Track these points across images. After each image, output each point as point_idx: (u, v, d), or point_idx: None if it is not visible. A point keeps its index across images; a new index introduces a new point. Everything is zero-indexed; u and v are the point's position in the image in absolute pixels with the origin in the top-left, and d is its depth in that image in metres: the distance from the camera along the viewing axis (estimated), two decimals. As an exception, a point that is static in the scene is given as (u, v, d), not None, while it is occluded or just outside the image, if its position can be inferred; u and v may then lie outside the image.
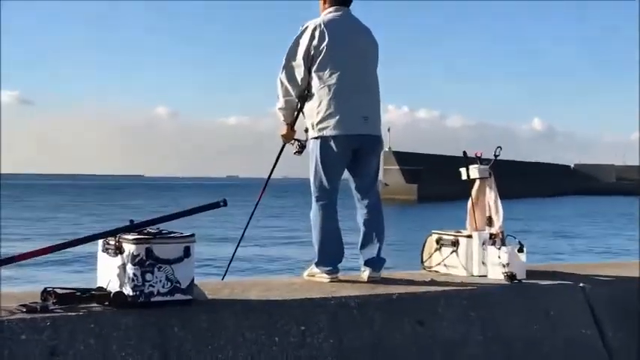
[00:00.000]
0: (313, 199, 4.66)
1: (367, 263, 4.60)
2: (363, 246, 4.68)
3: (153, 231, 3.48)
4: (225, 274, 5.17)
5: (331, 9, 4.66)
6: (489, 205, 4.99)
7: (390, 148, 69.59)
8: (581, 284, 4.63)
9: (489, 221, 4.95)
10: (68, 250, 3.60)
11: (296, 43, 4.60)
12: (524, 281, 4.55)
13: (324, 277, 4.51)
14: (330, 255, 4.59)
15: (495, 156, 5.14)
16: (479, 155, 5.13)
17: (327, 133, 4.54)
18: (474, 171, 5.03)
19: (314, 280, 4.56)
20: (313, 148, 4.63)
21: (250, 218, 5.23)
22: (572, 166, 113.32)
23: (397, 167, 72.57)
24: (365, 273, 4.56)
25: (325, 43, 4.52)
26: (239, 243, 5.28)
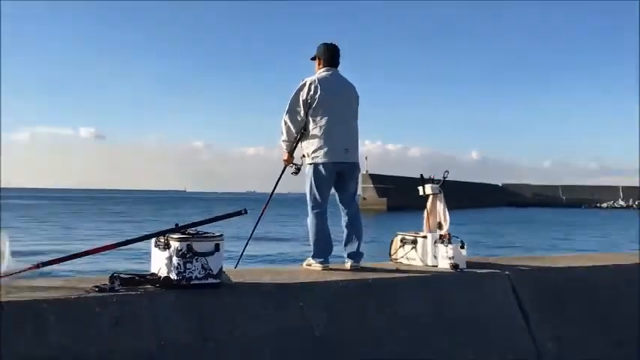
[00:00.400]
0: (309, 208, 4.85)
1: (349, 256, 4.83)
2: (346, 243, 4.89)
3: (192, 232, 3.64)
4: (237, 263, 5.27)
5: (323, 69, 4.94)
6: (440, 214, 5.06)
7: (367, 171, 74.10)
8: (506, 272, 4.74)
9: (439, 225, 5.01)
10: (130, 246, 3.72)
11: (297, 94, 4.84)
12: (464, 270, 4.70)
13: (318, 266, 4.69)
14: (322, 250, 4.77)
15: (444, 177, 5.24)
16: (432, 177, 5.26)
17: (318, 160, 4.79)
18: (428, 188, 5.15)
19: (311, 268, 4.73)
20: (308, 171, 4.86)
21: (258, 221, 5.27)
22: (501, 184, 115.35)
23: (372, 185, 75.04)
24: (348, 263, 4.80)
25: (318, 95, 4.77)
26: (249, 240, 5.30)
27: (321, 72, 4.96)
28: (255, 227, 5.32)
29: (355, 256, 4.83)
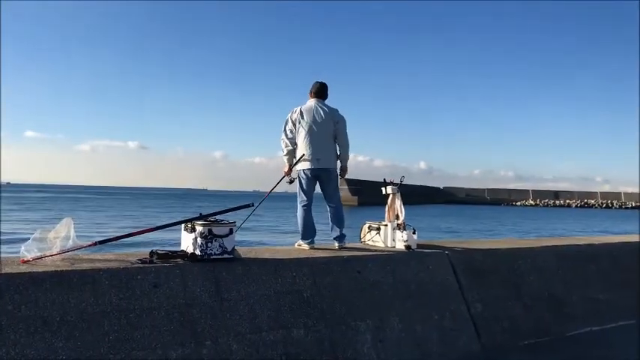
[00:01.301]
0: (298, 203, 4.85)
1: (335, 239, 4.79)
2: (332, 229, 4.86)
3: (212, 219, 3.64)
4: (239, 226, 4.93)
5: (311, 99, 4.91)
6: (397, 208, 5.03)
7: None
8: (446, 252, 4.76)
9: (397, 217, 4.99)
10: (166, 229, 3.70)
11: (287, 118, 4.87)
12: (416, 250, 4.71)
13: (306, 247, 4.67)
14: (307, 233, 4.74)
15: (400, 181, 5.21)
16: (392, 180, 5.24)
17: (299, 168, 4.82)
18: (389, 189, 5.14)
19: (301, 248, 4.68)
20: (298, 176, 4.87)
21: (258, 205, 4.74)
22: (442, 187, 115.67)
23: (347, 187, 74.56)
24: (336, 244, 4.75)
25: (300, 118, 4.80)
26: (248, 217, 4.72)
27: (308, 101, 4.94)
28: (252, 211, 4.82)
29: (339, 238, 4.79)
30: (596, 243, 6.35)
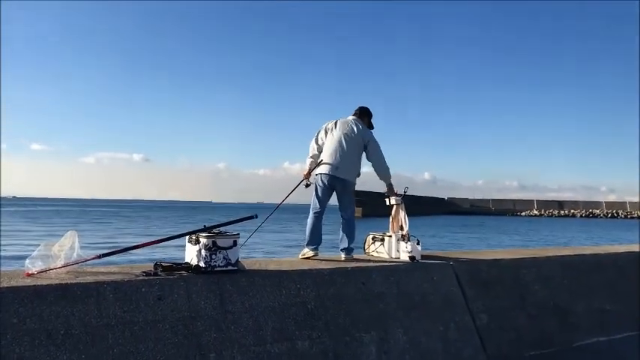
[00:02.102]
0: (310, 210, 4.91)
1: (343, 250, 4.82)
2: (341, 240, 4.88)
3: (216, 231, 3.64)
4: (243, 242, 4.96)
5: (351, 116, 5.15)
6: (401, 219, 5.01)
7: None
8: (451, 262, 4.73)
9: (401, 227, 4.96)
10: (170, 241, 3.65)
11: (323, 127, 5.08)
12: (420, 261, 4.68)
13: (310, 253, 4.71)
14: (312, 240, 4.80)
15: (404, 192, 5.17)
16: (396, 191, 5.17)
17: (317, 171, 4.93)
18: (392, 200, 5.10)
19: (304, 258, 4.67)
20: (314, 182, 4.94)
21: (269, 215, 5.00)
22: (446, 198, 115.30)
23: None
24: (342, 255, 4.77)
25: (334, 127, 5.02)
26: (257, 229, 4.87)
27: (347, 117, 5.15)
28: (264, 221, 4.99)
29: (347, 250, 4.81)
30: (602, 252, 6.29)
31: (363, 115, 5.18)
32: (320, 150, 5.02)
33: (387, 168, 5.06)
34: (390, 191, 5.06)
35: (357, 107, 5.24)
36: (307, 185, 4.96)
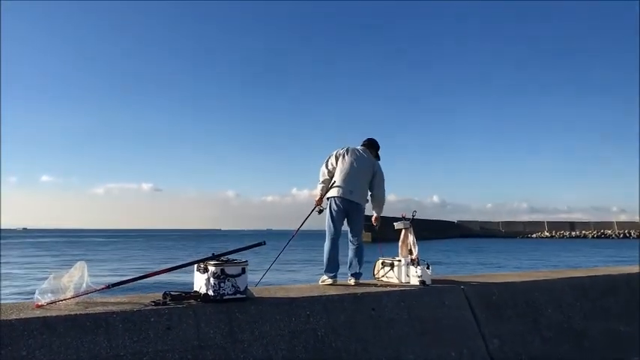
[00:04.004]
0: (326, 236, 4.91)
1: (353, 275, 4.81)
2: (351, 265, 4.88)
3: (224, 259, 3.61)
4: (259, 282, 5.05)
5: (360, 146, 5.23)
6: (410, 243, 5.02)
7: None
8: (462, 286, 4.70)
9: (410, 252, 4.97)
10: (179, 270, 3.66)
11: (333, 153, 5.14)
12: (430, 285, 4.66)
13: (329, 280, 4.72)
14: (330, 267, 4.81)
15: (413, 216, 5.21)
16: (403, 215, 5.26)
17: (331, 194, 4.96)
18: (400, 224, 5.14)
19: (324, 283, 4.70)
20: (328, 207, 4.96)
21: (286, 245, 5.20)
22: (456, 221, 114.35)
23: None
24: (351, 280, 4.76)
25: (345, 153, 5.08)
26: (280, 252, 5.18)
27: (358, 146, 5.24)
28: (284, 247, 5.24)
29: (356, 275, 4.81)
30: (615, 273, 6.20)
31: (372, 146, 5.26)
32: (331, 175, 5.07)
33: (385, 201, 5.15)
34: (377, 220, 5.17)
35: (365, 138, 5.32)
36: (320, 211, 4.99)
